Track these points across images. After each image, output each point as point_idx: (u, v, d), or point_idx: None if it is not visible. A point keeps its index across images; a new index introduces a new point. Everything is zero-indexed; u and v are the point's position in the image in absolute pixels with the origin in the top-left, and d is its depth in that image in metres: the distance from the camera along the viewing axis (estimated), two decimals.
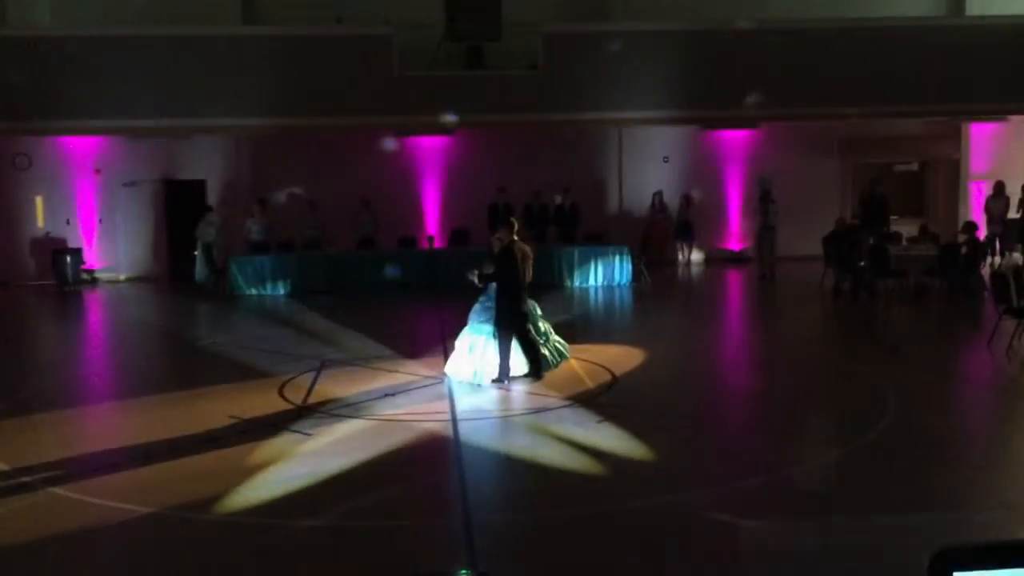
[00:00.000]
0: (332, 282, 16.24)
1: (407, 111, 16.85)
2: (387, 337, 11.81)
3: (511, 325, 9.13)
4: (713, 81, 17.25)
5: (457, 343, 9.53)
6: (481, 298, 9.48)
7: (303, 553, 5.53)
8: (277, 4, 18.50)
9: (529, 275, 9.35)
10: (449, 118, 16.45)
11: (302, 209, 17.72)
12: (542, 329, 9.70)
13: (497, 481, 6.94)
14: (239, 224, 17.26)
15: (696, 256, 19.28)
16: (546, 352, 9.55)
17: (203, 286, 16.86)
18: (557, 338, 9.89)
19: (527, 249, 9.34)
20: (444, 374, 9.56)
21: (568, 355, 9.89)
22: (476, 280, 9.29)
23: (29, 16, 18.21)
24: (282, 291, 16.04)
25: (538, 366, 9.28)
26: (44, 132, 17.39)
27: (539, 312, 9.78)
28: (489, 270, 9.25)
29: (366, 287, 16.00)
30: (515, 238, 9.20)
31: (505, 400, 8.93)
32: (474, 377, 9.30)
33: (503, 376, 9.18)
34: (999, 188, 17.76)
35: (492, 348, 9.26)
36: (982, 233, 16.19)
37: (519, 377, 9.28)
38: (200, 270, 16.98)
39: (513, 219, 9.49)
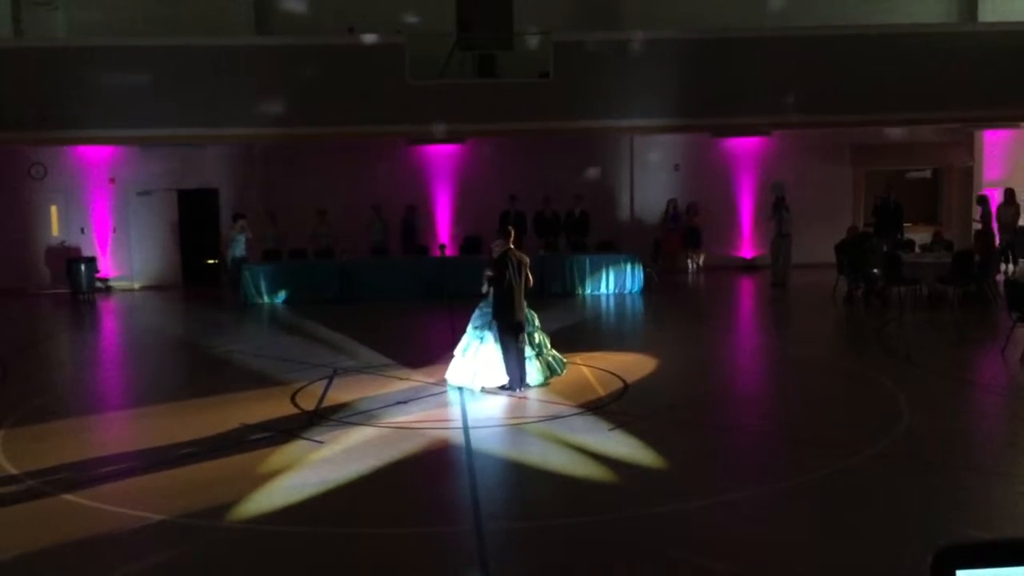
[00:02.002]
0: (344, 290, 16.29)
1: (419, 120, 16.91)
2: (399, 345, 11.84)
3: (508, 332, 9.18)
4: (725, 88, 17.25)
5: (456, 350, 9.60)
6: (481, 304, 9.56)
7: (315, 560, 5.55)
8: (290, 14, 18.62)
9: (530, 282, 9.40)
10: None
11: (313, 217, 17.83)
12: (536, 340, 9.65)
13: (508, 488, 6.95)
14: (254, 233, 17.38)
15: (705, 263, 19.24)
16: (538, 365, 9.52)
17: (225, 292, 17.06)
18: (553, 352, 9.82)
19: (524, 257, 9.39)
20: (445, 381, 9.59)
21: (561, 371, 9.74)
22: (485, 284, 9.34)
23: (44, 27, 18.40)
24: (294, 299, 16.08)
25: (520, 379, 9.26)
26: (59, 142, 17.53)
27: (537, 323, 9.74)
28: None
29: (378, 295, 16.04)
30: (511, 246, 9.29)
31: (516, 407, 8.94)
32: (470, 381, 9.35)
33: (513, 384, 9.21)
34: (1009, 196, 17.64)
35: (485, 352, 9.32)
36: (996, 240, 16.11)
37: (496, 388, 9.28)
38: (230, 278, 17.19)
39: (509, 228, 9.55)
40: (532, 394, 9.22)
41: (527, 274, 9.33)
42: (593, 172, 19.16)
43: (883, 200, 17.20)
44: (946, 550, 1.36)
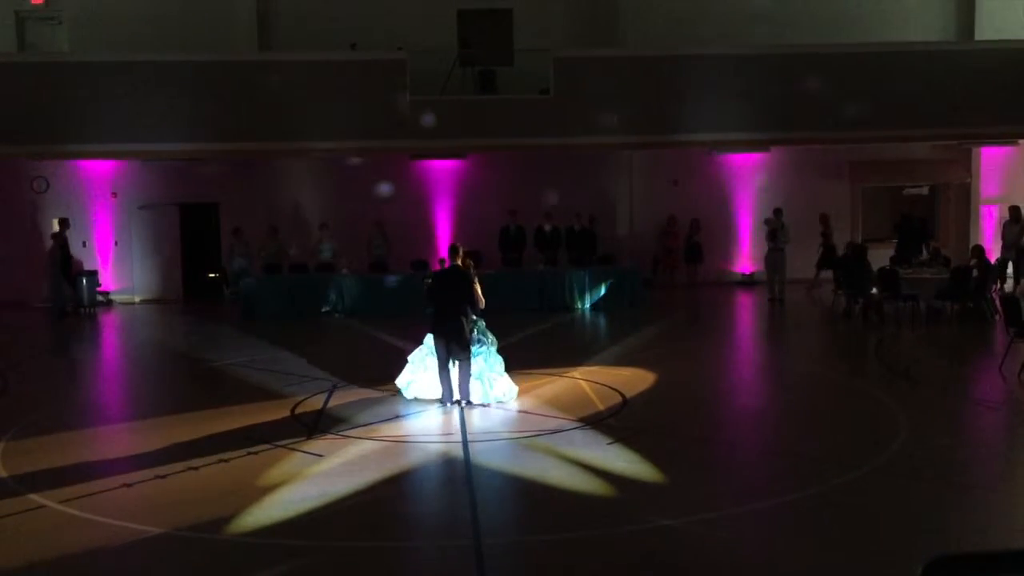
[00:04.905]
0: (344, 304, 16.33)
1: (420, 135, 16.99)
2: (398, 359, 11.84)
3: (436, 346, 9.38)
4: (723, 104, 17.33)
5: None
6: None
7: (314, 574, 5.56)
8: (292, 30, 18.73)
9: (479, 300, 9.43)
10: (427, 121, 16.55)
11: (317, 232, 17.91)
12: (484, 362, 9.53)
13: (507, 502, 6.96)
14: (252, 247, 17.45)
15: (702, 277, 19.29)
16: (482, 386, 9.44)
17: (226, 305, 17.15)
18: (499, 375, 9.63)
19: (467, 273, 9.52)
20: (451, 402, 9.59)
21: (508, 399, 9.53)
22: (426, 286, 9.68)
23: (47, 42, 18.51)
24: (294, 313, 16.10)
25: (454, 393, 9.33)
26: (62, 156, 17.61)
27: (491, 339, 9.67)
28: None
29: (379, 309, 16.06)
30: (458, 263, 9.53)
31: (515, 422, 8.96)
32: (405, 389, 9.67)
33: (444, 399, 9.33)
34: (1015, 214, 17.55)
35: (430, 366, 9.56)
36: (992, 256, 16.10)
37: (434, 400, 9.44)
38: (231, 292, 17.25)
39: (457, 246, 9.72)
40: (531, 408, 9.26)
41: (475, 289, 9.37)
42: (593, 188, 19.23)
43: (906, 218, 17.16)
44: (935, 562, 1.37)
